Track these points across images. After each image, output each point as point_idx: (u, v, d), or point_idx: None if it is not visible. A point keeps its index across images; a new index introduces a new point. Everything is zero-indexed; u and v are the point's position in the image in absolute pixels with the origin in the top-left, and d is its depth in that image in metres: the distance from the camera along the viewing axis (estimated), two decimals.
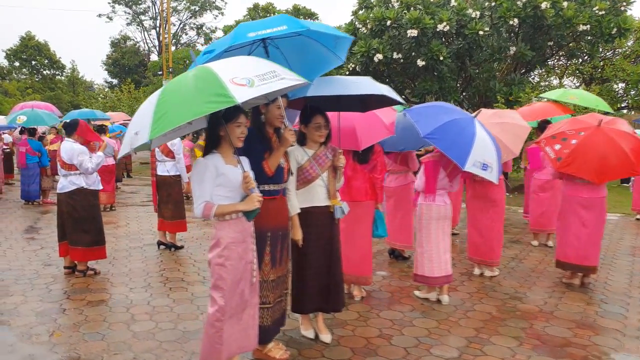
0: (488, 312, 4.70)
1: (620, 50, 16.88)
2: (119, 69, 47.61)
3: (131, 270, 5.97)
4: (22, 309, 4.70)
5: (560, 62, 18.22)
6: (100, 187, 5.84)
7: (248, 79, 2.54)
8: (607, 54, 17.25)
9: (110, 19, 47.56)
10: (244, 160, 3.26)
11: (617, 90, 15.79)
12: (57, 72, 50.69)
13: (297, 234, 3.79)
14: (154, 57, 48.04)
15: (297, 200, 3.79)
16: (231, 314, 3.12)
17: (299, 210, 3.79)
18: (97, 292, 5.19)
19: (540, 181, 7.12)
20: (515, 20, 12.51)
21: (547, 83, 16.64)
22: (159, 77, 32.51)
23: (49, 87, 46.61)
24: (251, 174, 3.15)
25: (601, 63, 16.97)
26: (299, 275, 3.91)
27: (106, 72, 48.70)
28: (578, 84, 18.62)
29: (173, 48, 27.71)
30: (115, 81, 47.07)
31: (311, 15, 20.50)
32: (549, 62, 17.14)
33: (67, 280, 5.57)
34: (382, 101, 4.08)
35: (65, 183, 5.49)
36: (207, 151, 3.15)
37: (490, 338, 4.11)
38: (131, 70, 46.36)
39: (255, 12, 20.15)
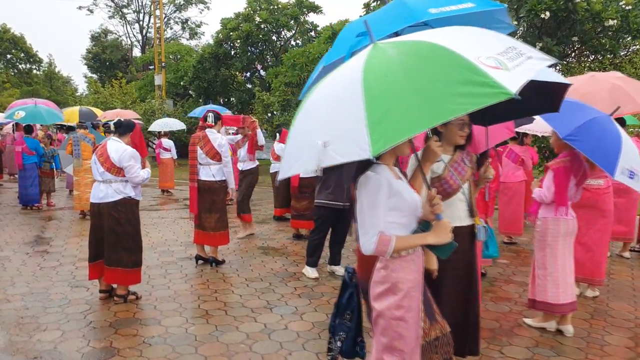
0: (626, 346, 3.97)
1: (634, 48, 16.46)
2: (99, 64, 45.95)
3: (177, 293, 5.08)
4: (63, 350, 3.80)
5: (573, 60, 17.74)
6: (141, 198, 4.95)
7: (496, 59, 1.72)
8: (622, 52, 16.82)
9: (91, 11, 45.93)
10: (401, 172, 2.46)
11: None
12: (34, 67, 48.86)
13: (432, 263, 2.95)
14: (136, 51, 46.54)
15: None
16: None
17: None
18: (148, 325, 4.30)
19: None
20: (547, 13, 11.90)
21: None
22: (148, 72, 31.27)
23: (25, 82, 44.81)
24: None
25: (617, 61, 16.52)
26: None
27: (86, 67, 47.06)
28: None
29: (159, 42, 26.35)
30: (95, 76, 45.43)
31: (315, 8, 19.50)
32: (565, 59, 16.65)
33: (107, 308, 4.66)
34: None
35: (109, 191, 4.55)
36: (366, 162, 2.24)
37: None
38: (113, 65, 44.76)
39: (257, 4, 19.13)
